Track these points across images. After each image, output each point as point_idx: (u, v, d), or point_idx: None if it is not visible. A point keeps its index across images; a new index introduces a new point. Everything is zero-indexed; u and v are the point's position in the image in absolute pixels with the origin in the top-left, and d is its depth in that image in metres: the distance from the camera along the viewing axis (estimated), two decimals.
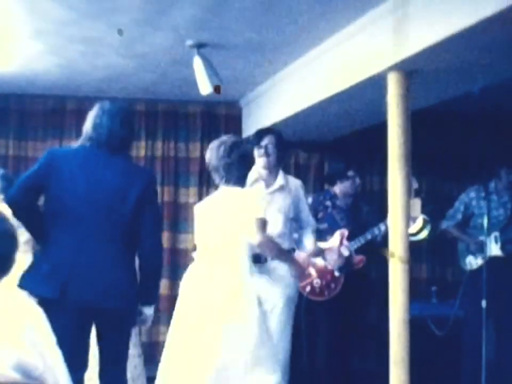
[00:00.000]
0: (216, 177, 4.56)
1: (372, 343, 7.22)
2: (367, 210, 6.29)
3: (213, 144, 4.62)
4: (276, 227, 5.21)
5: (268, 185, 5.33)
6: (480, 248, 5.95)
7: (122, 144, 4.21)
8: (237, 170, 4.50)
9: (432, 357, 6.77)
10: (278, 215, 5.25)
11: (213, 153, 4.57)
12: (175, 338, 4.36)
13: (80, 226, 4.02)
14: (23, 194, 4.08)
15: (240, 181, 4.53)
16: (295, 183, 5.47)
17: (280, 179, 5.37)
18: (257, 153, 5.26)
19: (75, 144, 4.51)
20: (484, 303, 5.58)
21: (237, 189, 4.50)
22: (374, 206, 6.90)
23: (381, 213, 5.71)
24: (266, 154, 5.30)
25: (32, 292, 3.92)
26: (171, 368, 4.30)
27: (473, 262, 6.06)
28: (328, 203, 5.98)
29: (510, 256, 5.86)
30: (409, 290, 4.68)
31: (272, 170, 5.35)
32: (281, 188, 5.35)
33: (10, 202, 4.13)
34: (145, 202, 4.10)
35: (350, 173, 6.04)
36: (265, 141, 5.32)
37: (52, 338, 2.25)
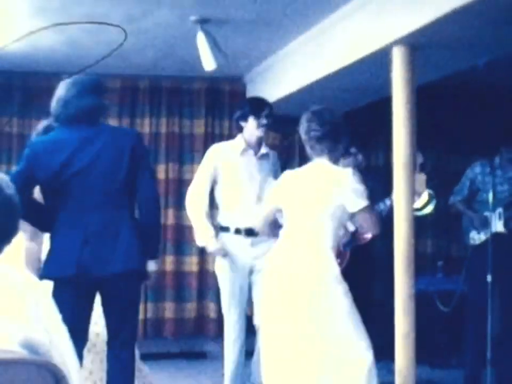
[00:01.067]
0: (309, 149, 4.39)
1: (377, 318, 7.23)
2: (371, 187, 6.27)
3: (305, 115, 4.45)
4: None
5: (255, 152, 5.45)
6: (484, 224, 5.94)
7: (93, 113, 4.20)
8: (330, 142, 4.37)
9: (437, 332, 6.80)
10: (270, 179, 5.33)
11: (304, 124, 4.42)
12: (278, 328, 4.23)
13: (84, 203, 4.07)
14: (16, 183, 4.13)
15: (334, 154, 4.42)
16: (272, 151, 5.67)
17: (264, 147, 5.51)
18: (257, 123, 5.37)
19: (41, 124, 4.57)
20: (489, 278, 5.58)
21: (330, 166, 4.36)
22: (379, 182, 6.89)
23: (386, 189, 5.70)
24: (266, 125, 5.39)
25: (51, 276, 4.03)
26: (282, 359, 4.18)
27: (476, 237, 6.06)
28: None
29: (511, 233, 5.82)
30: (414, 265, 4.69)
31: (260, 139, 5.48)
32: (267, 155, 5.52)
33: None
34: (138, 160, 4.15)
35: (352, 150, 6.00)
36: (265, 112, 5.39)
37: (56, 315, 2.25)
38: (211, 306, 7.48)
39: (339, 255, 5.92)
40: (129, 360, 4.23)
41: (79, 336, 4.05)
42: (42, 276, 4.06)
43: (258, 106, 5.44)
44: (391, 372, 4.96)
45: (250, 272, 5.35)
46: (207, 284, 7.46)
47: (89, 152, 4.10)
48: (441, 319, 6.68)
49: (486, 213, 5.93)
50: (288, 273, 4.20)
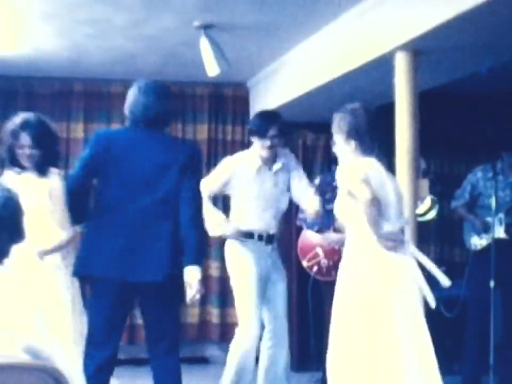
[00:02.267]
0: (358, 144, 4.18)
1: None
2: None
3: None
4: (285, 205, 5.34)
5: (270, 167, 5.23)
6: (486, 229, 5.94)
7: (159, 119, 4.25)
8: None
9: (440, 338, 6.79)
10: (286, 193, 5.30)
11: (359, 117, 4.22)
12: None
13: (132, 205, 4.10)
14: (81, 183, 4.26)
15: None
16: (285, 152, 5.36)
17: (280, 158, 5.25)
18: (261, 144, 5.12)
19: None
20: (492, 283, 5.58)
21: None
22: None
23: None
24: (272, 147, 5.11)
25: (95, 275, 4.05)
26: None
27: (477, 242, 6.05)
28: (336, 184, 5.96)
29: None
30: None
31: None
32: (283, 166, 5.28)
33: (70, 189, 4.28)
34: (187, 173, 4.19)
35: None
36: (271, 133, 5.08)
37: (61, 320, 2.26)
38: (214, 311, 7.48)
39: (340, 260, 5.92)
40: (177, 366, 4.26)
41: (111, 340, 4.13)
42: (79, 273, 4.12)
43: (263, 126, 5.11)
44: None
45: (267, 280, 5.24)
46: (209, 289, 7.46)
47: (148, 157, 4.15)
48: (444, 324, 6.67)
49: (488, 218, 5.93)
50: None
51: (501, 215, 5.86)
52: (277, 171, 5.27)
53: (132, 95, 4.28)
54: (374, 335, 3.93)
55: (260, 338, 5.23)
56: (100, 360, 4.04)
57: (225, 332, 7.23)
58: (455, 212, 6.31)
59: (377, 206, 3.93)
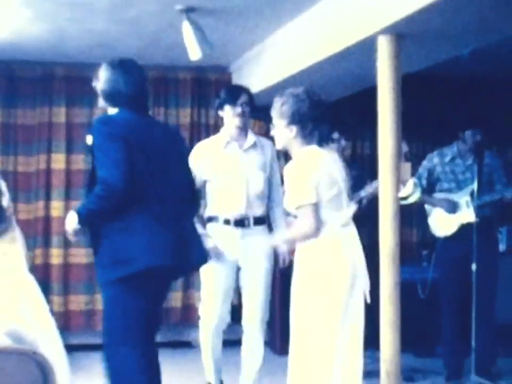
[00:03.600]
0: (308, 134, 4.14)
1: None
2: (355, 175, 6.27)
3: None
4: (258, 185, 5.24)
5: (240, 145, 5.27)
6: (455, 208, 5.92)
7: (147, 98, 4.25)
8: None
9: (422, 320, 6.84)
10: (259, 172, 5.25)
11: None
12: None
13: (162, 195, 4.05)
14: (128, 185, 3.90)
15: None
16: (266, 142, 5.38)
17: (252, 137, 5.31)
18: (233, 112, 5.22)
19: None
20: (474, 267, 5.59)
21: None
22: (364, 170, 6.91)
23: (372, 177, 5.73)
24: (243, 113, 5.23)
25: (151, 265, 3.95)
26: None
27: (446, 228, 6.03)
28: None
29: (481, 221, 5.75)
30: (399, 254, 4.71)
31: (243, 130, 5.28)
32: (255, 145, 5.30)
33: (118, 196, 3.90)
34: (184, 150, 4.34)
35: (335, 135, 5.98)
36: (241, 100, 5.22)
37: (44, 306, 2.26)
38: (197, 295, 7.47)
39: None
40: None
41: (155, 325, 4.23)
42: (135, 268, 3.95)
43: (233, 94, 5.26)
44: (376, 360, 4.99)
45: (238, 269, 5.26)
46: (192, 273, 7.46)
47: (162, 140, 4.12)
48: (426, 307, 6.72)
49: (452, 197, 5.93)
50: None
51: (467, 198, 5.84)
52: (248, 150, 5.27)
53: (118, 73, 4.13)
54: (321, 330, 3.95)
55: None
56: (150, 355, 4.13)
57: None
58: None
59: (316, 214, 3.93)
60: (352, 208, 4.13)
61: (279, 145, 4.22)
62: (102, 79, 4.18)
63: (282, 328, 6.77)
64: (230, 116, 5.23)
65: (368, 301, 4.07)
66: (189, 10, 5.53)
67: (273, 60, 6.59)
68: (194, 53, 5.77)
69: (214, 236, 5.17)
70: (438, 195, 6.08)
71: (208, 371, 5.39)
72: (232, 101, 5.22)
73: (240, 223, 5.17)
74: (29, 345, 2.07)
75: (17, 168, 7.36)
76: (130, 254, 3.94)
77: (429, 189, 6.09)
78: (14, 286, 2.17)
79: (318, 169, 3.98)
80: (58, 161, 7.35)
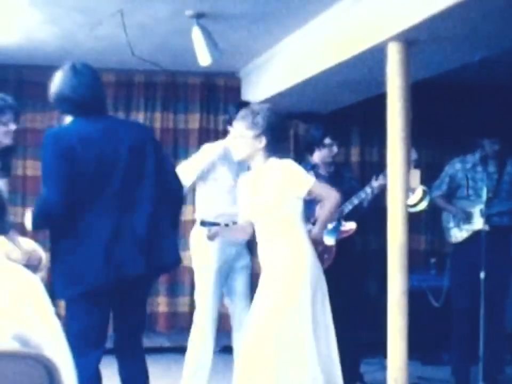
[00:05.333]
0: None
1: (371, 315, 7.23)
2: (349, 178, 6.27)
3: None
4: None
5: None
6: (468, 218, 5.92)
7: (104, 102, 4.10)
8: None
9: (430, 328, 6.81)
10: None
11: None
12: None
13: (115, 200, 3.89)
14: (65, 204, 3.80)
15: None
16: None
17: None
18: (231, 129, 5.22)
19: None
20: (482, 275, 5.58)
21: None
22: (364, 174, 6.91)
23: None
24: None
25: (89, 287, 3.85)
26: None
27: (458, 235, 6.03)
28: (311, 172, 5.91)
29: (494, 229, 5.74)
30: (407, 261, 4.69)
31: None
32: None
33: (55, 215, 3.83)
34: (159, 150, 4.09)
35: (327, 141, 5.96)
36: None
37: (49, 308, 2.25)
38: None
39: (325, 249, 5.91)
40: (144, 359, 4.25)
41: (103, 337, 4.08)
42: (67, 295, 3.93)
43: (231, 113, 5.30)
44: (383, 368, 4.97)
45: (230, 269, 5.39)
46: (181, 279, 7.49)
47: (117, 146, 3.91)
48: (433, 314, 6.70)
49: (469, 209, 5.92)
50: None
51: (482, 206, 5.83)
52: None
53: (67, 77, 3.97)
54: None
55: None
56: (98, 359, 4.01)
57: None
58: (433, 202, 6.27)
59: None
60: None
61: (240, 155, 4.37)
62: (52, 85, 4.05)
63: None
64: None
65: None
66: (199, 16, 5.53)
67: (282, 66, 6.58)
68: (204, 58, 5.77)
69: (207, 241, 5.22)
70: (457, 202, 6.07)
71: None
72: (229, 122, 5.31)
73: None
74: (36, 349, 2.07)
75: (26, 172, 7.36)
76: (79, 273, 3.88)
77: (449, 194, 6.10)
78: (19, 287, 2.16)
79: None
80: None
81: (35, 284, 2.25)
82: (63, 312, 7.18)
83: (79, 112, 3.96)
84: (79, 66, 4.03)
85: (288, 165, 4.30)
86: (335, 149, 6.05)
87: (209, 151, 5.40)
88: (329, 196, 4.37)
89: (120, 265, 3.88)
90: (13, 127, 4.21)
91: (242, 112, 4.36)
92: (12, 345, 1.98)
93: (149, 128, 4.27)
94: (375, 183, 5.80)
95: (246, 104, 5.45)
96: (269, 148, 4.26)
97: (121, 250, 3.88)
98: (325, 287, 4.29)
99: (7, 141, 4.27)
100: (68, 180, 3.78)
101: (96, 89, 4.02)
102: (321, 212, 4.52)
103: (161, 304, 7.49)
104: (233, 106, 5.54)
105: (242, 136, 4.28)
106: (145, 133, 4.15)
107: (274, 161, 4.28)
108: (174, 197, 4.18)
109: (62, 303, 7.19)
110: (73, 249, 3.88)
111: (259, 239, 4.36)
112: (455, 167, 6.12)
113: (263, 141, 4.22)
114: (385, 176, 5.35)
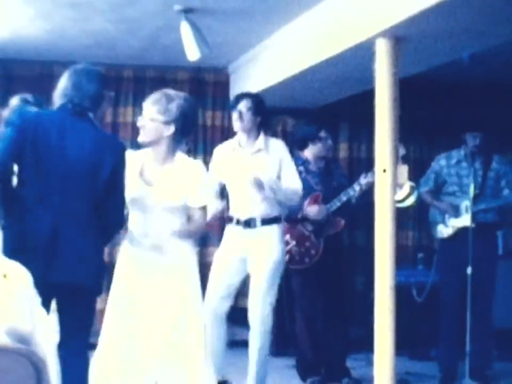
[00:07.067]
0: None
1: (358, 310, 7.26)
2: (339, 174, 6.28)
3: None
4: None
5: (248, 149, 5.41)
6: (456, 212, 5.93)
7: (92, 101, 4.03)
8: None
9: (417, 324, 6.85)
10: (267, 175, 5.30)
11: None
12: None
13: (53, 200, 3.83)
14: (6, 166, 3.83)
15: None
16: (276, 144, 5.50)
17: (259, 143, 5.38)
18: (233, 117, 5.41)
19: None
20: (469, 270, 5.60)
21: None
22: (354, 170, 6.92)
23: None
24: (240, 118, 5.35)
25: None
26: None
27: (444, 231, 6.04)
28: (301, 168, 5.90)
29: (480, 226, 5.75)
30: (394, 257, 4.71)
31: (251, 134, 5.39)
32: (260, 151, 5.38)
33: None
34: (117, 175, 3.94)
35: (322, 134, 5.97)
36: (240, 106, 5.37)
37: (37, 300, 2.26)
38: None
39: (312, 245, 5.93)
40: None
41: None
42: None
43: (234, 100, 5.53)
44: (370, 363, 4.99)
45: (244, 262, 5.35)
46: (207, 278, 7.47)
47: (72, 150, 3.87)
48: (416, 310, 6.73)
49: (456, 204, 5.94)
50: None
51: (467, 202, 5.84)
52: (257, 153, 5.35)
53: (63, 79, 4.11)
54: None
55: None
56: None
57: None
58: (420, 198, 6.27)
59: None
60: None
61: (145, 138, 4.26)
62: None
63: (277, 329, 6.77)
64: (232, 121, 5.44)
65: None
66: (187, 11, 5.53)
67: (271, 62, 6.59)
68: (193, 53, 5.77)
69: (228, 235, 5.39)
70: (443, 198, 6.09)
71: None
72: (232, 107, 5.46)
73: (247, 223, 5.30)
74: (26, 343, 2.07)
75: None
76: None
77: (436, 190, 6.11)
78: (9, 281, 2.16)
79: None
80: None
81: (24, 276, 2.25)
82: None
83: (64, 105, 4.03)
84: (82, 67, 4.18)
85: (198, 170, 4.29)
86: (329, 142, 6.07)
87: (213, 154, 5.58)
88: (201, 220, 4.28)
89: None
90: None
91: (156, 95, 4.29)
92: (5, 341, 1.99)
93: (120, 148, 4.09)
94: (364, 181, 5.81)
95: (239, 94, 5.64)
96: (175, 138, 4.18)
97: (52, 254, 3.83)
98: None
99: None
100: (11, 144, 3.82)
101: (88, 91, 4.03)
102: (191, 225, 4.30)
103: None
104: (235, 98, 5.58)
105: (152, 120, 4.20)
106: (114, 151, 4.01)
107: (185, 158, 4.28)
108: (107, 222, 4.02)
109: None
110: (15, 226, 3.84)
111: None
112: (440, 163, 6.12)
113: (171, 129, 4.14)
114: (374, 173, 5.37)
